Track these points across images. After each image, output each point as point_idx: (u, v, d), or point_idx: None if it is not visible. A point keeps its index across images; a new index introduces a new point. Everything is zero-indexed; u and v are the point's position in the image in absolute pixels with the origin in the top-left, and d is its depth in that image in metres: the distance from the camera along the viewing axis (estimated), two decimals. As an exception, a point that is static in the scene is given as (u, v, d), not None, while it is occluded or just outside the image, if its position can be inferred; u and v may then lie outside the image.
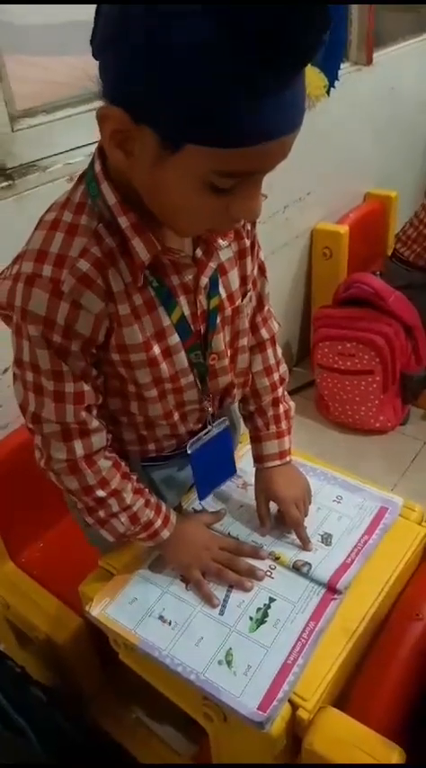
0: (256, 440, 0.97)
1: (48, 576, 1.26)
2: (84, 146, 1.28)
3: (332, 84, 1.98)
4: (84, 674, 1.22)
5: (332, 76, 1.97)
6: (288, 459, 0.97)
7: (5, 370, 1.30)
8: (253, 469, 0.98)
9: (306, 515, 0.94)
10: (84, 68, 0.60)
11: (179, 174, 0.58)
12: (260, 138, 0.54)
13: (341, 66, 2.04)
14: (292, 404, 1.00)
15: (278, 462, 0.95)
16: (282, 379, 0.98)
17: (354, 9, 2.16)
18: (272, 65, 0.50)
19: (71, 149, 1.29)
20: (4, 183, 1.19)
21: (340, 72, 2.00)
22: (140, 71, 0.52)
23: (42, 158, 1.26)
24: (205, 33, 0.49)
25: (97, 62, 0.58)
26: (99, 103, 0.59)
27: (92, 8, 0.58)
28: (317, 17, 0.49)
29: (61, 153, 1.28)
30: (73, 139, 1.28)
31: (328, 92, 1.98)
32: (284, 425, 0.97)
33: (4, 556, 1.28)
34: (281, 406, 0.97)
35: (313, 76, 1.91)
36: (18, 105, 1.23)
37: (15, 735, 0.99)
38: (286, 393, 0.99)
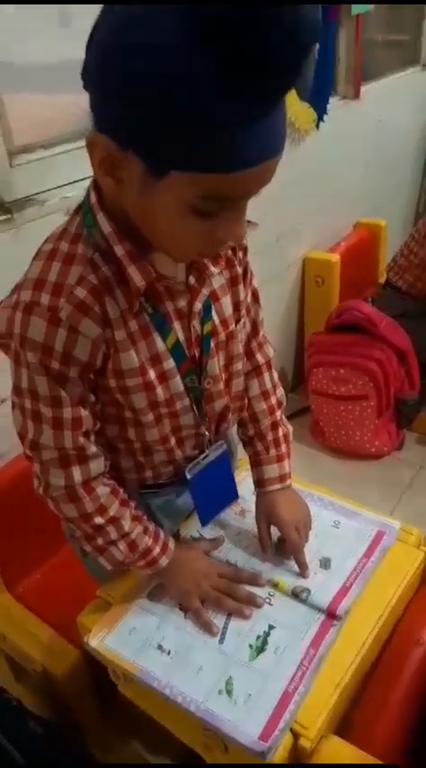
0: (257, 464, 0.98)
1: (44, 608, 1.25)
2: (80, 180, 1.30)
3: (321, 118, 2.04)
4: (81, 706, 1.20)
5: (321, 111, 2.03)
6: (288, 482, 0.97)
7: (3, 401, 1.30)
8: (252, 496, 0.99)
9: (306, 540, 0.94)
10: (80, 105, 0.62)
11: (165, 199, 0.60)
12: (241, 164, 0.56)
13: (330, 99, 2.10)
14: (290, 427, 1.01)
15: (278, 486, 0.96)
16: (280, 403, 0.98)
17: (342, 44, 2.22)
18: (254, 94, 0.52)
19: (68, 183, 1.31)
20: (3, 217, 1.21)
21: (328, 106, 2.06)
22: (122, 101, 0.54)
23: (40, 192, 1.29)
24: (184, 64, 0.50)
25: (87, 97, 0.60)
26: None
27: None
28: (295, 49, 0.50)
29: (58, 187, 1.31)
30: (70, 174, 1.31)
31: (317, 125, 2.04)
32: (284, 449, 0.98)
33: (0, 587, 1.27)
34: (280, 429, 0.98)
35: (302, 111, 1.97)
36: (17, 141, 1.26)
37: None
38: (284, 417, 1.00)
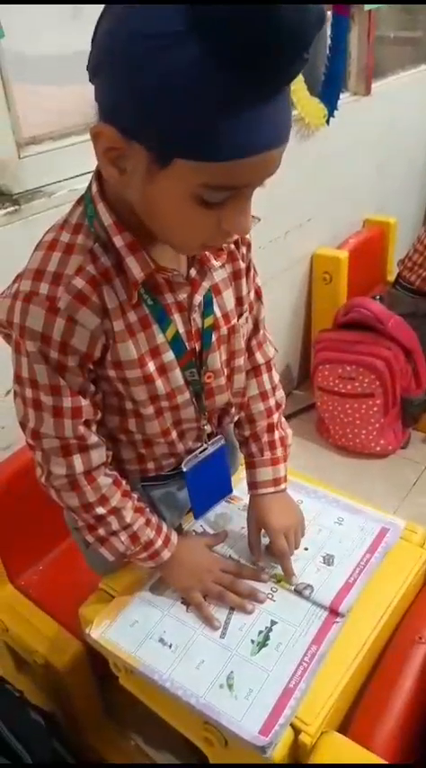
0: (250, 466, 0.97)
1: (47, 600, 1.25)
2: (88, 172, 1.29)
3: (331, 114, 2.03)
4: (82, 699, 1.20)
5: (331, 106, 2.02)
6: (282, 486, 0.95)
7: (7, 393, 1.31)
8: (255, 492, 0.98)
9: (296, 546, 0.93)
10: (89, 97, 0.62)
11: (169, 188, 0.60)
12: (245, 152, 0.56)
13: (341, 96, 2.09)
14: (289, 431, 0.99)
15: (271, 490, 0.94)
16: (278, 405, 0.97)
17: (354, 41, 2.22)
18: (256, 81, 0.52)
19: (76, 176, 1.31)
20: (11, 209, 1.21)
21: (339, 102, 2.05)
22: (127, 91, 0.55)
23: (48, 184, 1.29)
24: (185, 51, 0.51)
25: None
26: None
27: None
28: (300, 35, 0.50)
29: (66, 179, 1.31)
30: (78, 166, 1.31)
31: (328, 121, 2.03)
32: (279, 452, 0.96)
33: (3, 578, 1.27)
34: (277, 432, 0.96)
35: (313, 106, 1.96)
36: (25, 133, 1.25)
37: (12, 761, 0.98)
38: (283, 420, 0.98)
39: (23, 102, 1.22)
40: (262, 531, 0.94)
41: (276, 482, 0.95)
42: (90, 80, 0.59)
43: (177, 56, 0.51)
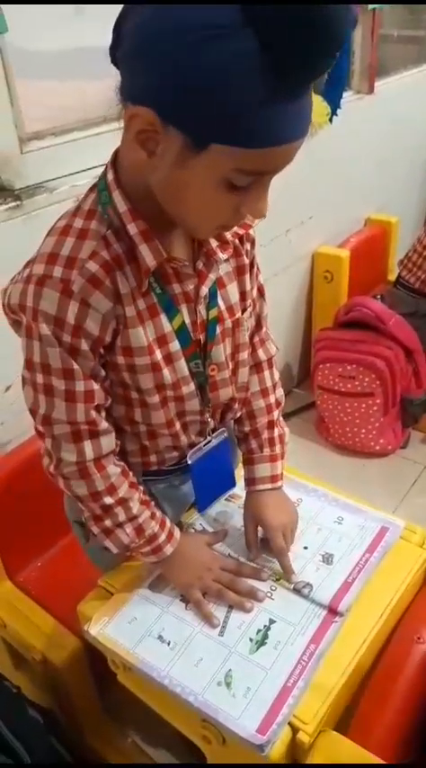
0: (249, 462, 0.97)
1: (45, 596, 1.25)
2: (90, 168, 1.30)
3: (334, 112, 2.02)
4: (80, 696, 1.20)
5: (334, 105, 2.01)
6: (279, 483, 0.96)
7: (8, 388, 1.30)
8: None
9: (291, 543, 0.93)
10: (91, 93, 0.62)
11: (201, 171, 0.62)
12: (279, 140, 0.59)
13: (344, 94, 2.08)
14: (287, 429, 1.00)
15: (269, 486, 0.95)
16: (278, 403, 0.98)
17: (357, 40, 2.21)
18: (297, 76, 0.57)
19: (78, 171, 1.31)
20: (13, 204, 1.21)
21: (342, 100, 2.04)
22: (173, 79, 0.56)
23: (50, 180, 1.29)
24: (233, 43, 0.54)
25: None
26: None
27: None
28: (340, 34, 0.54)
29: (69, 175, 1.30)
30: (80, 162, 1.30)
31: (331, 119, 2.02)
32: (278, 449, 0.97)
33: (1, 575, 1.27)
34: (276, 429, 0.97)
35: (316, 104, 1.95)
36: (28, 128, 1.25)
37: (10, 757, 0.98)
38: (281, 418, 0.99)
39: (26, 98, 1.22)
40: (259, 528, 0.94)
41: (274, 479, 0.95)
42: (115, 64, 0.62)
43: (231, 47, 0.54)
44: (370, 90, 2.30)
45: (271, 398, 0.96)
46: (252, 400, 0.95)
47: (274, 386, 0.97)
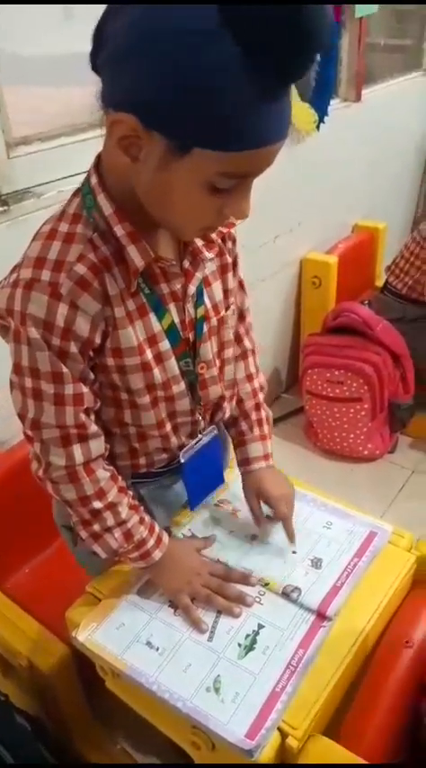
0: (241, 444, 1.00)
1: (33, 603, 1.24)
2: (77, 174, 1.30)
3: (321, 120, 2.04)
4: (69, 703, 1.19)
5: (321, 112, 2.03)
6: (271, 461, 1.00)
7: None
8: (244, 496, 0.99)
9: (292, 513, 0.96)
10: (78, 99, 0.63)
11: (184, 175, 0.62)
12: (261, 142, 0.60)
13: (331, 102, 2.10)
14: (271, 412, 1.03)
15: (263, 464, 0.98)
16: (262, 387, 1.02)
17: (344, 48, 2.23)
18: (279, 79, 0.57)
19: (65, 177, 1.31)
20: (0, 209, 1.21)
21: (330, 108, 2.06)
22: (157, 83, 0.57)
23: (37, 185, 1.28)
24: (224, 52, 0.54)
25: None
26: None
27: (90, 40, 0.61)
28: (319, 35, 0.55)
29: (55, 180, 1.30)
30: (67, 167, 1.30)
31: (318, 126, 2.04)
32: (266, 429, 1.00)
33: (-11, 581, 1.26)
34: (263, 411, 1.01)
35: (303, 111, 1.97)
36: (15, 133, 1.25)
37: (-3, 766, 0.97)
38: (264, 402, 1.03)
39: (13, 103, 1.22)
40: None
41: (266, 457, 0.99)
42: (94, 68, 0.62)
43: (212, 53, 0.54)
44: (357, 98, 2.32)
45: (256, 383, 1.00)
46: (239, 385, 0.98)
47: (257, 371, 1.01)
